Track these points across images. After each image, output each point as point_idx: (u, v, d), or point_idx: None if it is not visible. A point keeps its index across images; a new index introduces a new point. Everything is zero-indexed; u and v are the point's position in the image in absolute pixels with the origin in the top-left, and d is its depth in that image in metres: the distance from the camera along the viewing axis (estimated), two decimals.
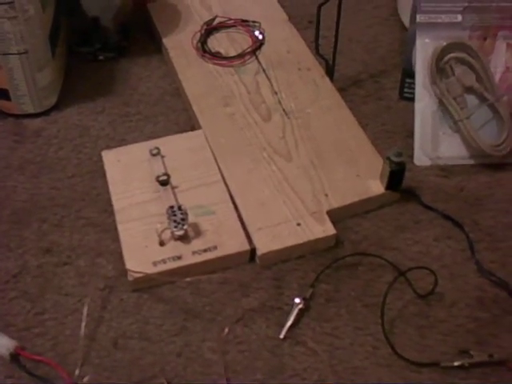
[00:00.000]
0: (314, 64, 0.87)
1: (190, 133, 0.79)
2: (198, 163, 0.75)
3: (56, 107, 0.85)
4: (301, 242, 0.69)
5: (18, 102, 0.80)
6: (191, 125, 0.82)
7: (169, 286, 0.67)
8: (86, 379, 0.60)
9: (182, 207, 0.67)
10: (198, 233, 0.69)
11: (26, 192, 0.75)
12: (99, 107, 0.84)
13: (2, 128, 0.81)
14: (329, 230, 0.69)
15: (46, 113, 0.83)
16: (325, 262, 0.70)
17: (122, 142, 0.80)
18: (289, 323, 0.65)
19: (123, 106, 0.85)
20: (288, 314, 0.66)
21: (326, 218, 0.70)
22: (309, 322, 0.66)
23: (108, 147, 0.79)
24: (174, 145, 0.76)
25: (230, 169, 0.74)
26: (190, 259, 0.67)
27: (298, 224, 0.70)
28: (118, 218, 0.70)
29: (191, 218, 0.68)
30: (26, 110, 0.81)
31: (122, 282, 0.67)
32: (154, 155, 0.74)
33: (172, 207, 0.67)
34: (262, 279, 0.69)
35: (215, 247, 0.68)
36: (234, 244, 0.68)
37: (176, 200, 0.70)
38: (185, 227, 0.66)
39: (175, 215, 0.67)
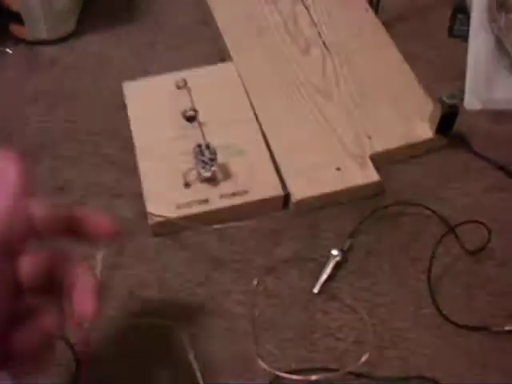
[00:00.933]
0: None
1: (221, 64, 0.72)
2: (229, 98, 0.68)
3: (74, 34, 0.77)
4: (340, 188, 0.62)
5: (31, 26, 0.73)
6: (221, 56, 0.75)
7: (193, 231, 0.61)
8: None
9: (211, 146, 0.60)
10: (227, 175, 0.62)
11: (39, 125, 0.69)
12: (121, 35, 0.77)
13: (13, 55, 0.74)
14: (371, 176, 0.63)
15: (62, 40, 0.76)
16: (365, 211, 0.63)
17: (146, 74, 0.73)
18: (324, 276, 0.59)
19: (147, 35, 0.77)
20: (323, 266, 0.59)
21: (369, 162, 0.63)
22: (346, 275, 0.60)
23: (130, 78, 0.71)
24: (203, 78, 0.69)
25: (263, 106, 0.67)
26: (217, 203, 0.60)
27: (338, 169, 0.63)
28: (140, 155, 0.63)
29: (220, 159, 0.61)
30: (40, 37, 0.74)
31: (142, 226, 0.61)
32: (180, 88, 0.67)
33: (199, 145, 0.60)
34: (295, 227, 0.62)
35: (246, 191, 0.61)
36: (266, 188, 0.61)
37: (204, 138, 0.63)
38: (213, 168, 0.60)
39: (203, 155, 0.60)
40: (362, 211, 0.63)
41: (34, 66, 0.73)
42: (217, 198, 0.60)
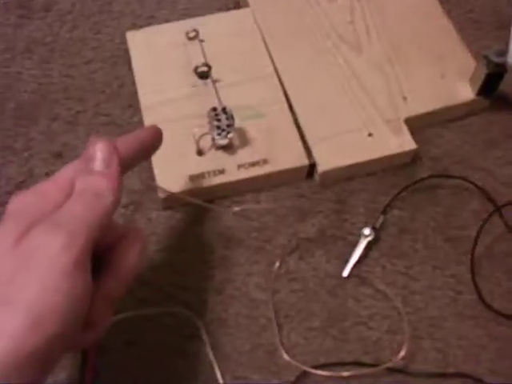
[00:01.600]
0: None
1: (236, 11, 0.64)
2: (246, 51, 0.60)
3: None
4: (373, 157, 0.55)
5: None
6: (235, 1, 0.66)
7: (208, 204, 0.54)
8: None
9: (228, 110, 0.53)
10: (245, 141, 0.55)
11: (34, 81, 0.61)
12: None
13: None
14: (407, 143, 0.56)
15: None
16: (399, 183, 0.57)
17: (151, 21, 0.65)
18: (354, 259, 0.53)
19: None
20: (353, 246, 0.54)
21: (404, 127, 0.56)
22: (378, 257, 0.53)
23: (134, 26, 0.64)
24: (216, 26, 0.61)
25: (285, 60, 0.59)
26: (234, 174, 0.54)
27: (370, 134, 0.56)
28: (146, 117, 0.56)
29: (236, 122, 0.54)
30: None
31: (151, 198, 0.55)
32: (190, 39, 0.60)
33: (215, 109, 0.53)
34: (321, 201, 0.56)
35: (265, 161, 0.54)
36: (288, 158, 0.55)
37: (219, 99, 0.56)
38: (230, 135, 0.53)
39: (219, 120, 0.53)
40: (394, 182, 0.57)
41: (26, 12, 0.65)
42: (234, 169, 0.54)
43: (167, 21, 0.64)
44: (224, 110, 0.53)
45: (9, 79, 0.61)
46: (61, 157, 0.57)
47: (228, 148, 0.55)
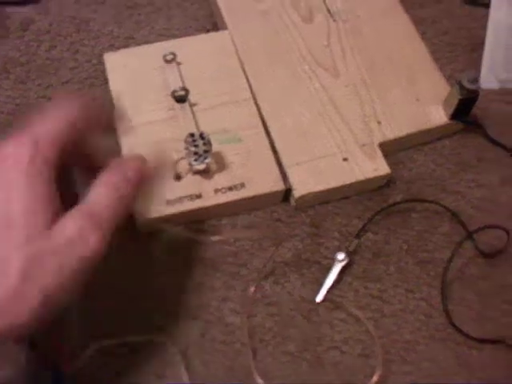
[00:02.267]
0: None
1: (214, 34, 0.64)
2: (223, 74, 0.61)
3: None
4: (348, 182, 0.56)
5: None
6: (213, 22, 0.67)
7: (183, 228, 0.54)
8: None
9: (205, 135, 0.53)
10: (222, 166, 0.56)
11: (10, 101, 0.61)
12: None
13: None
14: (381, 168, 0.57)
15: (34, 0, 0.67)
16: (373, 206, 0.58)
17: (129, 41, 0.66)
18: (328, 284, 0.54)
19: None
20: (327, 270, 0.55)
21: (379, 152, 0.58)
22: (351, 281, 0.55)
23: (111, 47, 0.64)
24: (193, 48, 0.62)
25: (262, 83, 0.60)
26: (211, 199, 0.54)
27: (345, 159, 0.57)
28: (123, 140, 0.56)
29: (213, 146, 0.54)
30: None
31: (127, 221, 0.54)
32: (168, 62, 0.60)
33: (192, 135, 0.54)
34: (296, 225, 0.57)
35: (242, 185, 0.55)
36: (265, 182, 0.56)
37: (196, 123, 0.57)
38: (207, 161, 0.53)
39: (196, 146, 0.53)
40: (369, 206, 0.58)
41: (3, 30, 0.65)
42: (211, 193, 0.55)
43: (146, 41, 0.64)
44: (201, 135, 0.54)
45: None
46: None
47: (205, 172, 0.55)
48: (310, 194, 0.55)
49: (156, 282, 0.53)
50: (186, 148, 0.54)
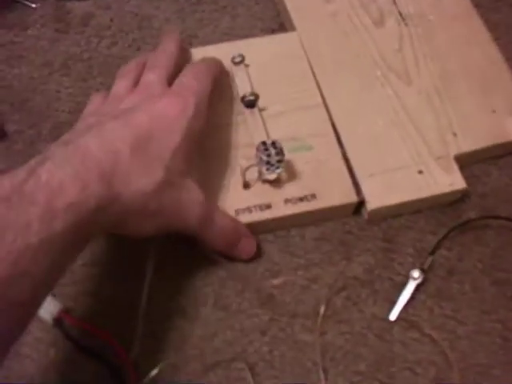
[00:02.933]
0: None
1: (282, 35, 0.62)
2: (293, 78, 0.59)
3: None
4: (423, 196, 0.54)
5: None
6: (279, 22, 0.65)
7: None
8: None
9: (278, 144, 0.52)
10: (292, 175, 0.54)
11: (72, 99, 0.60)
12: None
13: (40, 12, 0.64)
14: (457, 182, 0.55)
15: None
16: (446, 221, 0.56)
17: (192, 40, 0.64)
18: (402, 302, 0.52)
19: None
20: (400, 287, 0.53)
21: (455, 165, 0.56)
22: (425, 299, 0.53)
23: None
24: (261, 50, 0.60)
25: (332, 89, 0.58)
26: (281, 210, 0.53)
27: (420, 172, 0.55)
28: None
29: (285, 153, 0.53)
30: None
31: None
32: (236, 64, 0.58)
33: (264, 143, 0.52)
34: (368, 238, 0.55)
35: (313, 196, 0.53)
36: (337, 193, 0.54)
37: (266, 131, 0.55)
38: (278, 170, 0.52)
39: (269, 155, 0.51)
40: (442, 221, 0.56)
41: (64, 25, 0.63)
42: (281, 203, 0.53)
43: (209, 40, 0.62)
44: (274, 144, 0.52)
45: (45, 97, 0.60)
46: None
47: (275, 182, 0.53)
48: (383, 207, 0.54)
49: (223, 293, 0.52)
50: (258, 156, 0.52)
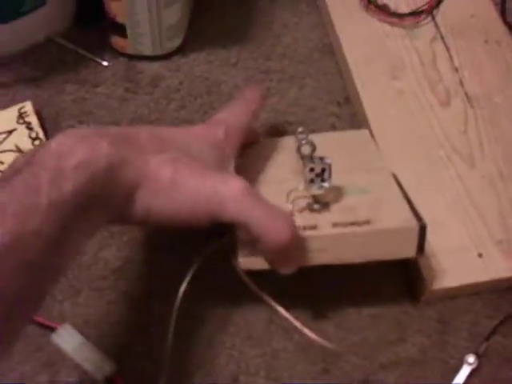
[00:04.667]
0: (506, 37, 0.71)
1: (354, 132, 0.64)
2: (359, 163, 0.58)
3: (179, 51, 0.70)
4: (482, 280, 0.56)
5: (135, 40, 0.66)
6: (345, 95, 0.68)
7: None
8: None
9: (326, 160, 0.49)
10: (345, 206, 0.51)
11: None
12: (233, 57, 0.70)
13: (111, 70, 0.68)
14: None
15: (166, 56, 0.70)
16: (503, 306, 0.57)
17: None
18: None
19: (262, 60, 0.70)
20: (454, 371, 0.54)
21: None
22: None
23: None
24: (333, 144, 0.60)
25: (395, 168, 0.60)
26: (327, 230, 0.49)
27: (480, 255, 0.57)
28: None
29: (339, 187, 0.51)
30: (143, 52, 0.68)
31: None
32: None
33: (311, 157, 0.50)
34: (423, 319, 0.57)
35: (367, 221, 0.49)
36: (394, 217, 0.50)
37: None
38: (325, 185, 0.49)
39: (312, 169, 0.49)
40: (499, 305, 0.57)
41: (133, 85, 0.67)
42: (328, 226, 0.49)
43: (275, 109, 0.65)
44: (321, 158, 0.49)
45: None
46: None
47: (323, 209, 0.50)
48: (442, 289, 0.55)
49: (278, 361, 0.54)
50: (303, 171, 0.49)
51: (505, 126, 0.64)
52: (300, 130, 0.59)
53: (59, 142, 0.41)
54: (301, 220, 0.49)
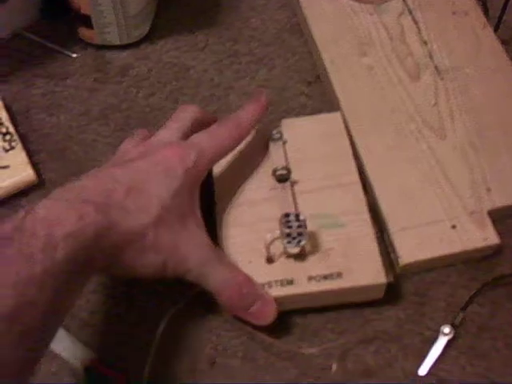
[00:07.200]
0: (474, 7, 0.73)
1: (324, 116, 0.66)
2: (331, 156, 0.61)
3: (147, 38, 0.73)
4: (456, 251, 0.58)
5: (101, 30, 0.69)
6: (316, 74, 0.70)
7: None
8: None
9: (300, 217, 0.55)
10: (320, 251, 0.56)
11: (109, 149, 0.65)
12: (201, 42, 0.72)
13: (80, 62, 0.70)
14: (491, 237, 0.59)
15: (134, 45, 0.72)
16: (479, 276, 0.59)
17: (229, 91, 0.68)
18: (433, 358, 0.55)
19: (231, 43, 0.73)
20: (430, 342, 0.56)
21: (488, 220, 0.59)
22: (457, 355, 0.56)
23: (212, 97, 0.68)
24: (301, 128, 0.63)
25: (367, 143, 0.63)
26: (303, 286, 0.54)
27: (453, 226, 0.59)
28: (219, 219, 0.58)
29: (313, 229, 0.56)
30: (110, 41, 0.70)
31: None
32: (274, 140, 0.62)
33: (287, 215, 0.55)
34: (399, 293, 0.58)
35: (339, 274, 0.55)
36: (365, 273, 0.55)
37: (295, 204, 0.58)
38: (301, 243, 0.54)
39: (290, 227, 0.54)
40: (475, 276, 0.59)
41: (102, 75, 0.69)
42: (304, 280, 0.54)
43: (245, 92, 0.67)
44: (297, 216, 0.54)
45: (83, 146, 0.65)
46: None
47: (299, 257, 0.55)
48: (416, 262, 0.57)
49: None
50: (281, 229, 0.55)
51: (476, 96, 0.66)
52: (275, 131, 0.62)
53: (47, 208, 0.44)
54: (277, 274, 0.55)
